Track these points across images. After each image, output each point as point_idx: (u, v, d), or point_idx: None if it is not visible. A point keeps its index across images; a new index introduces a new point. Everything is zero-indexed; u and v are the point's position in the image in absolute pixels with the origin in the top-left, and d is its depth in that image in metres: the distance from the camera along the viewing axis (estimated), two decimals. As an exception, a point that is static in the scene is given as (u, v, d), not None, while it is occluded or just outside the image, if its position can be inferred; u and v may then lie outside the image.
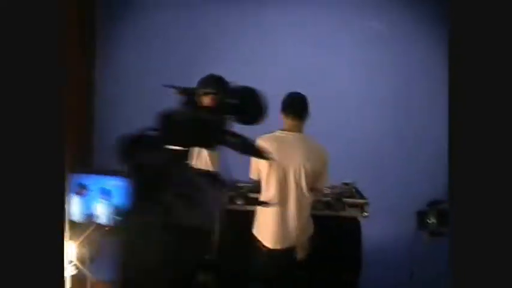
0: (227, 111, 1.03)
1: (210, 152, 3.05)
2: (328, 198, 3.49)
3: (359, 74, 5.36)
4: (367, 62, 5.31)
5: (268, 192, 2.97)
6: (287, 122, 2.95)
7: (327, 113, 5.69)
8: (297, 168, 2.88)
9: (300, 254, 2.98)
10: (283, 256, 2.97)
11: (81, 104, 5.92)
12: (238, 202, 3.59)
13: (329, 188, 3.74)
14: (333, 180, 3.84)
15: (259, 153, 1.10)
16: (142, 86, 5.87)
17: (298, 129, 2.96)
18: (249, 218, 3.13)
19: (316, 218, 3.25)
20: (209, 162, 3.05)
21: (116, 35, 6.05)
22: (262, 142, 2.98)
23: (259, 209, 3.05)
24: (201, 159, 3.05)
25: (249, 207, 3.17)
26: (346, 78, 5.31)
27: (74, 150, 6.05)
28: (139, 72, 5.94)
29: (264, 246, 2.99)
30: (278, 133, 2.98)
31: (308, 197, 2.93)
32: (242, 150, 1.04)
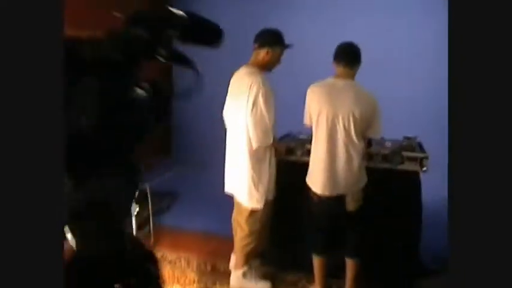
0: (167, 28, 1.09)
1: (265, 106, 3.10)
2: (387, 151, 3.42)
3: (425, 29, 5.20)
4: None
5: (318, 137, 3.00)
6: (338, 70, 2.98)
7: (393, 69, 5.62)
8: (346, 113, 2.87)
9: (352, 204, 2.98)
10: (333, 204, 2.99)
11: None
12: (297, 153, 3.61)
13: (390, 141, 3.67)
14: (396, 134, 3.76)
15: (187, 63, 1.14)
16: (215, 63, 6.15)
17: (349, 77, 2.96)
18: (307, 169, 3.16)
19: (374, 171, 3.23)
20: (264, 113, 3.10)
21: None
22: (313, 88, 3.02)
23: (312, 157, 3.08)
24: (256, 109, 3.10)
25: (308, 158, 3.18)
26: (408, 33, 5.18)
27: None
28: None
29: (315, 194, 3.03)
30: (329, 80, 3.00)
31: (358, 144, 2.91)
32: (169, 60, 1.10)
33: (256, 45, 3.30)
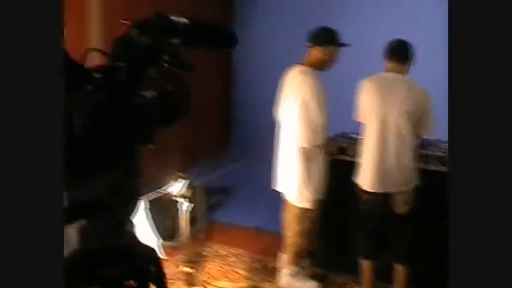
0: (171, 33, 1.14)
1: (315, 102, 3.08)
2: (442, 153, 3.31)
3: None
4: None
5: (368, 132, 2.95)
6: (390, 65, 2.94)
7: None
8: (397, 109, 2.81)
9: (402, 206, 2.91)
10: (381, 203, 2.93)
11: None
12: (350, 153, 3.56)
13: (446, 142, 3.55)
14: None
15: (183, 65, 1.19)
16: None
17: (401, 72, 2.91)
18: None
19: (427, 173, 3.14)
20: (313, 112, 3.07)
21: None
22: (365, 83, 2.99)
23: (361, 153, 3.04)
24: (306, 108, 3.08)
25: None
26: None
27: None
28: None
29: (363, 192, 2.98)
30: (381, 74, 2.97)
31: (410, 141, 2.84)
32: (172, 65, 1.15)
33: (309, 44, 3.26)
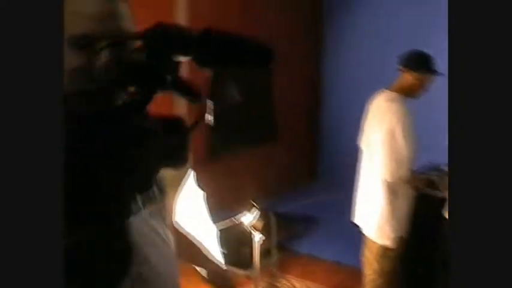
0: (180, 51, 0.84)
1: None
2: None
3: None
4: None
5: None
6: None
7: None
8: None
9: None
10: None
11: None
12: (440, 187, 3.27)
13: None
14: None
15: (192, 94, 0.88)
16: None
17: None
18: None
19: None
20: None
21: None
22: None
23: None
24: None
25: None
26: None
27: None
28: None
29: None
30: None
31: None
32: (174, 89, 0.85)
33: (401, 67, 3.04)
